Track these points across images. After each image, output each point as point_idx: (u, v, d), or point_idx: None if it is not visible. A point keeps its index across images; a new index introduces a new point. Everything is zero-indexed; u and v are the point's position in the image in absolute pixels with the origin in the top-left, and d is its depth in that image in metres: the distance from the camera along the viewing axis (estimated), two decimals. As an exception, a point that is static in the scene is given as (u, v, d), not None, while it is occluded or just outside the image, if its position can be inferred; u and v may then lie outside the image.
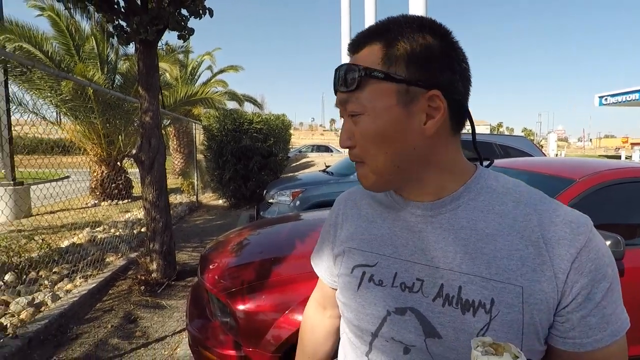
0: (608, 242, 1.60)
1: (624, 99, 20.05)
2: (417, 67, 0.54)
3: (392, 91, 0.54)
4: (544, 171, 2.26)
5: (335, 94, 0.61)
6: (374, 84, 0.55)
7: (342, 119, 0.62)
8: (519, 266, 0.53)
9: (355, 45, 0.59)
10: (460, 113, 0.58)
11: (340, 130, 0.62)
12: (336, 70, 0.59)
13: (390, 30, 0.56)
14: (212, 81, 13.87)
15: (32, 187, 6.68)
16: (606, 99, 21.28)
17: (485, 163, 0.67)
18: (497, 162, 2.92)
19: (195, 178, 8.73)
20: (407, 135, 0.56)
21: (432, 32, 0.55)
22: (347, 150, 0.61)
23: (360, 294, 0.63)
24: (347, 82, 0.56)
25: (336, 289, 0.74)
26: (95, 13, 4.86)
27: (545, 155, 7.13)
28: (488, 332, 0.52)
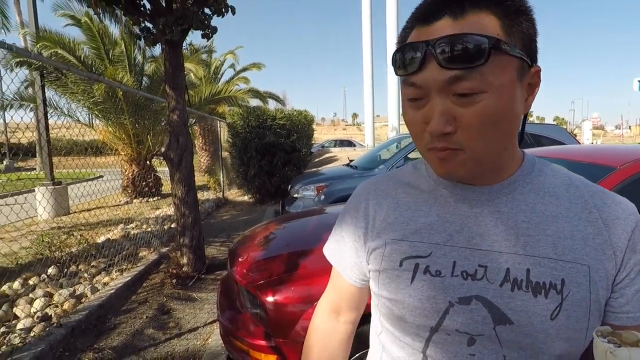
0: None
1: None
2: (530, 42, 0.53)
3: (514, 65, 0.50)
4: (582, 159, 2.16)
5: (414, 73, 0.51)
6: (498, 56, 0.48)
7: (418, 101, 0.53)
8: (583, 246, 0.54)
9: (454, 8, 0.50)
10: None
11: (432, 113, 0.52)
12: (440, 41, 0.48)
13: (498, 2, 0.50)
14: (234, 79, 14.08)
15: (69, 186, 7.03)
16: (647, 83, 20.10)
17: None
18: (529, 150, 2.83)
19: (221, 175, 8.91)
20: (518, 113, 0.53)
21: (530, 10, 0.54)
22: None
23: (415, 288, 0.58)
24: (469, 54, 0.47)
25: (360, 287, 0.71)
26: (123, 16, 5.02)
27: (580, 144, 6.83)
28: (561, 313, 0.52)
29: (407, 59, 0.52)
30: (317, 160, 13.34)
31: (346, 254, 0.71)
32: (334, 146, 20.84)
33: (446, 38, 0.48)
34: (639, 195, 1.93)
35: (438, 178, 0.63)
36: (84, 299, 2.95)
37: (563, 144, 5.52)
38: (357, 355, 1.67)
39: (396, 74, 0.55)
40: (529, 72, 0.53)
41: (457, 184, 0.61)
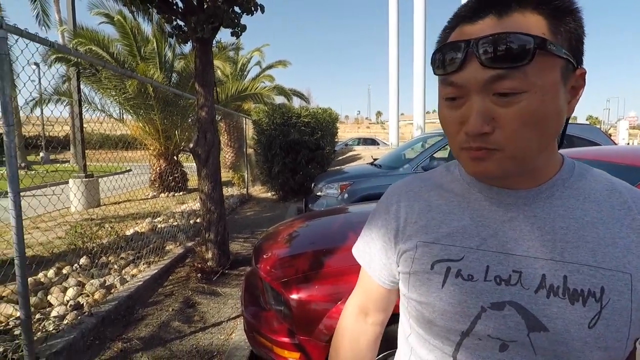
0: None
1: None
2: (577, 43, 0.52)
3: (558, 66, 0.49)
4: (620, 161, 2.06)
5: (454, 72, 0.51)
6: (543, 56, 0.47)
7: (456, 101, 0.53)
8: (625, 253, 0.52)
9: (499, 7, 0.49)
10: None
11: (470, 113, 0.51)
12: (483, 40, 0.48)
13: (545, 2, 0.50)
14: (260, 76, 14.21)
15: (101, 179, 7.29)
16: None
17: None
18: (562, 151, 2.70)
19: (246, 171, 9.02)
20: (562, 115, 0.52)
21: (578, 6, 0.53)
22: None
23: (447, 292, 0.58)
24: (513, 54, 0.46)
25: (389, 288, 0.72)
26: (156, 15, 5.14)
27: (616, 145, 6.51)
28: (599, 322, 0.50)
29: (447, 59, 0.51)
30: (340, 158, 13.31)
31: (376, 256, 0.71)
32: (358, 144, 20.73)
33: (489, 37, 0.47)
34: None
35: (472, 180, 0.63)
36: (113, 290, 3.04)
37: (598, 144, 5.28)
38: (381, 354, 1.65)
39: (435, 73, 0.55)
40: (573, 75, 0.52)
41: (492, 188, 0.59)
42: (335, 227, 2.54)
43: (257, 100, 11.27)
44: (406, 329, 0.69)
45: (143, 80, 3.98)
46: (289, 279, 1.88)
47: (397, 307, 0.74)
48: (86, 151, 7.04)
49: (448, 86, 0.53)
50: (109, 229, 4.40)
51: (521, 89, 0.48)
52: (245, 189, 8.90)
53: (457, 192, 0.64)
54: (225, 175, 11.69)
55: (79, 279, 3.15)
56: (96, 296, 2.88)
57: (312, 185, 5.91)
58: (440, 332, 0.59)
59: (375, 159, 6.60)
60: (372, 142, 21.33)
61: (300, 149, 7.75)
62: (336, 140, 12.34)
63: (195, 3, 3.40)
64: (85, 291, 2.98)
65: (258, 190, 9.67)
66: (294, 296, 1.78)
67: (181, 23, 3.56)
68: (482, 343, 0.56)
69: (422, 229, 0.63)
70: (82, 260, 3.53)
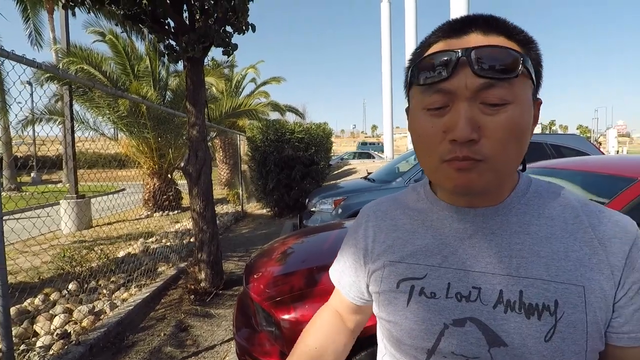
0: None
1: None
2: (537, 75, 0.55)
3: (530, 87, 0.53)
4: (601, 170, 2.07)
5: (444, 80, 0.51)
6: (523, 74, 0.51)
7: (440, 110, 0.52)
8: (577, 266, 0.53)
9: (485, 27, 0.54)
10: None
11: (457, 119, 0.50)
12: (478, 49, 0.49)
13: (517, 32, 0.55)
14: (255, 93, 14.29)
15: (92, 200, 7.20)
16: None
17: (519, 168, 0.64)
18: (548, 162, 2.73)
19: (240, 188, 8.96)
20: (531, 133, 0.56)
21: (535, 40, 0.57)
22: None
23: (411, 310, 0.59)
24: (505, 65, 0.49)
25: (360, 305, 0.74)
26: (149, 34, 5.16)
27: (603, 154, 6.56)
28: (555, 335, 0.51)
29: (437, 66, 0.51)
30: (336, 172, 13.29)
31: (345, 274, 0.75)
32: (353, 158, 20.80)
33: (486, 47, 0.50)
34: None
35: (435, 199, 0.65)
36: (102, 316, 2.95)
37: (585, 154, 5.31)
38: None
39: (418, 83, 0.54)
40: (536, 102, 0.57)
41: (453, 206, 0.61)
42: (328, 244, 2.49)
43: (252, 117, 11.29)
44: (381, 349, 0.70)
45: (133, 99, 3.95)
46: (279, 298, 1.83)
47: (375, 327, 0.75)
48: (79, 170, 6.95)
49: (434, 94, 0.52)
50: (99, 251, 4.30)
51: (507, 99, 0.49)
52: (240, 206, 8.83)
53: (421, 211, 0.66)
54: (221, 192, 11.63)
55: (67, 305, 3.05)
56: (84, 323, 2.79)
57: (307, 201, 5.86)
58: (409, 350, 0.60)
59: (369, 173, 6.58)
60: (368, 155, 21.43)
61: (295, 164, 7.72)
62: (331, 154, 12.36)
63: (187, 23, 3.40)
64: (73, 318, 2.88)
65: (253, 207, 9.59)
66: (285, 316, 1.74)
67: (173, 42, 3.56)
68: None
69: (389, 248, 0.65)
70: (71, 286, 3.44)
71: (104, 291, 3.39)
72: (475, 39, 0.52)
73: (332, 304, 0.81)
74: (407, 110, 0.62)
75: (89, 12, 7.02)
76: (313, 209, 5.36)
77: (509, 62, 0.49)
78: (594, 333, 0.51)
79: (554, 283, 0.52)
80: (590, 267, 0.52)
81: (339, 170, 13.66)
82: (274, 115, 13.39)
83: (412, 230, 0.64)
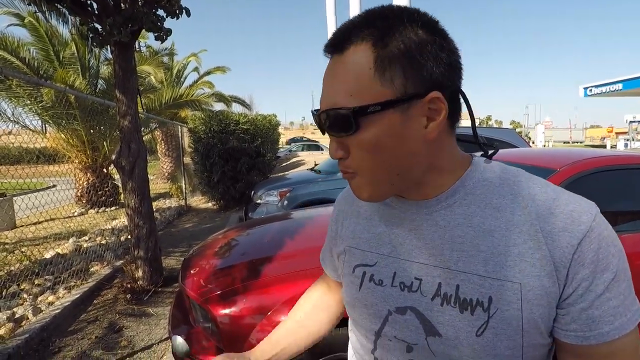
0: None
1: (607, 90, 20.19)
2: (414, 68, 0.48)
3: (387, 113, 0.49)
4: (525, 162, 2.25)
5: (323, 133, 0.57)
6: (368, 117, 0.49)
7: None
8: (517, 262, 0.51)
9: (338, 44, 0.52)
10: (456, 106, 0.54)
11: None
12: (317, 115, 0.55)
13: (377, 27, 0.49)
14: (198, 83, 13.74)
15: (15, 198, 6.55)
16: (591, 90, 21.39)
17: (490, 152, 0.64)
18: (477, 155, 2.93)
19: (183, 181, 8.62)
20: (406, 141, 0.51)
21: (422, 24, 0.50)
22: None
23: (362, 294, 0.63)
24: (340, 127, 0.52)
25: (341, 284, 0.76)
26: (71, 17, 4.74)
27: (530, 147, 7.20)
28: (487, 330, 0.51)
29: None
30: (284, 164, 13.23)
31: (326, 254, 0.81)
32: (302, 150, 20.82)
33: (323, 112, 0.53)
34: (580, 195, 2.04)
35: None
36: (24, 322, 2.71)
37: (515, 147, 5.77)
38: (332, 355, 1.62)
39: None
40: (421, 102, 0.49)
41: (401, 198, 0.61)
42: (270, 235, 2.47)
43: (196, 108, 10.86)
44: (350, 324, 0.74)
45: (56, 87, 3.62)
46: (214, 294, 1.79)
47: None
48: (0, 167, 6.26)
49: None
50: (20, 253, 3.94)
51: (356, 135, 0.51)
52: (183, 200, 8.50)
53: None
54: (163, 186, 11.11)
55: (-19, 313, 2.76)
56: (1, 332, 2.54)
57: (252, 193, 5.78)
58: (362, 330, 0.65)
59: (316, 164, 6.63)
60: (317, 147, 21.54)
61: (240, 156, 7.57)
62: (278, 146, 12.26)
63: (111, 4, 3.17)
64: (-12, 327, 2.62)
65: (198, 201, 9.28)
66: (221, 312, 1.71)
67: (98, 26, 3.30)
68: (391, 344, 0.60)
69: (351, 233, 0.69)
70: (-14, 292, 3.12)
71: (25, 296, 3.12)
72: (334, 62, 0.53)
73: (323, 278, 0.86)
74: None
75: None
76: (259, 201, 5.31)
77: (340, 123, 0.51)
78: (531, 330, 0.50)
79: (490, 279, 0.51)
80: (532, 263, 0.50)
81: (288, 162, 13.62)
82: (219, 107, 13.00)
83: (369, 218, 0.67)
